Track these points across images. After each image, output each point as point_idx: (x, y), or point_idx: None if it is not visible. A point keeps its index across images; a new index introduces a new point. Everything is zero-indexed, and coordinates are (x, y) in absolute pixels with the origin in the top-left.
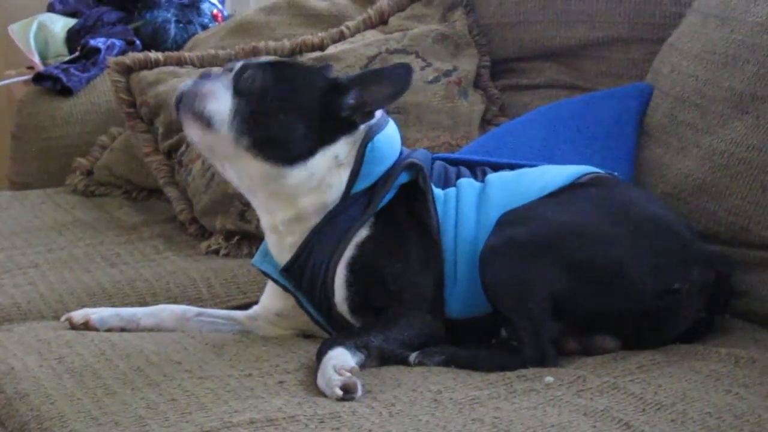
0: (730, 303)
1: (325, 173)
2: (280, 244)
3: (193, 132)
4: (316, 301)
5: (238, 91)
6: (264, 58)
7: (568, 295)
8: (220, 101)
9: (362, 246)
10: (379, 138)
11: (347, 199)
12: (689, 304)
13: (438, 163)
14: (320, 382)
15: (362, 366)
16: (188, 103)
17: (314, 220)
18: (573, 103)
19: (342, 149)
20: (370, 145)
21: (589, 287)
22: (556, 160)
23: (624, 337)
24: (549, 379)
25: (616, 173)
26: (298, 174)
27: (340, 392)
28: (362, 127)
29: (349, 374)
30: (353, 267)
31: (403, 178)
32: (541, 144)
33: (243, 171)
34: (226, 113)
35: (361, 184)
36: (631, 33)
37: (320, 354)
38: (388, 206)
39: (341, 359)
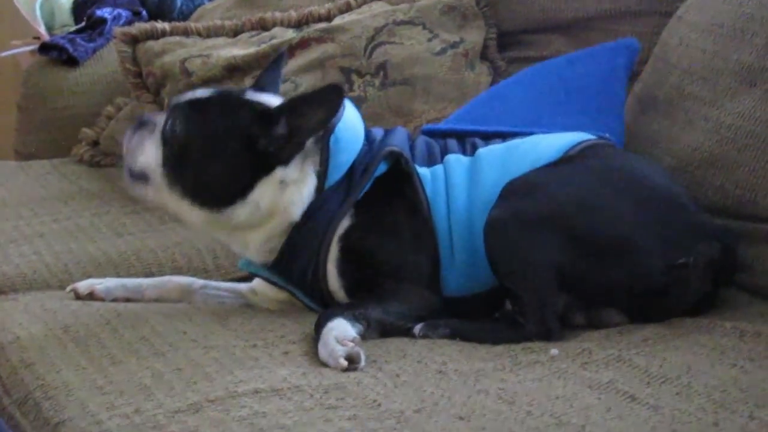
0: (735, 276)
1: (275, 198)
2: (262, 255)
3: (136, 191)
4: (308, 291)
5: (164, 140)
6: (195, 94)
7: (574, 269)
8: (151, 153)
9: (349, 236)
10: (340, 127)
11: (322, 194)
12: (695, 278)
13: (420, 139)
14: (322, 353)
15: (362, 337)
16: (126, 160)
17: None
18: (558, 63)
19: (285, 173)
20: (332, 137)
21: (595, 261)
22: (545, 122)
23: (630, 311)
24: (554, 351)
25: (607, 135)
26: (240, 211)
27: (344, 362)
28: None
29: (351, 344)
30: (345, 257)
31: (382, 167)
32: (528, 107)
33: (189, 219)
34: (156, 165)
35: (333, 177)
36: (639, 5)
37: (319, 326)
38: (369, 193)
39: (342, 330)
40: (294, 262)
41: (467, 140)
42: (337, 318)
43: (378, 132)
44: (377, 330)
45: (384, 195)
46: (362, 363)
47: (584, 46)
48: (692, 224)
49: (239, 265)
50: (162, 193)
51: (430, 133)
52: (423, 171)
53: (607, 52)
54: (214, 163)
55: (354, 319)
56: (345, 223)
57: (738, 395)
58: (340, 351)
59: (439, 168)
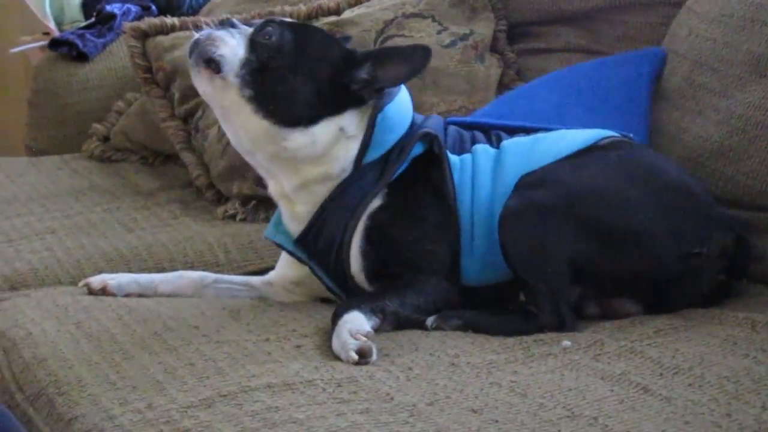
0: (748, 267)
1: (330, 144)
2: (292, 213)
3: (201, 75)
4: (331, 270)
5: (253, 44)
6: (288, 19)
7: (588, 259)
8: (233, 48)
9: (376, 216)
10: (390, 107)
11: (359, 169)
12: (709, 268)
13: (452, 128)
14: (335, 346)
15: (377, 330)
16: (201, 46)
17: (323, 190)
18: (586, 67)
19: (349, 122)
20: (380, 115)
21: (609, 251)
22: (570, 123)
23: (644, 301)
24: (566, 343)
25: (631, 135)
26: (298, 138)
27: (355, 356)
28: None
29: (364, 338)
30: (369, 237)
31: (418, 149)
32: (554, 108)
33: (243, 126)
34: (237, 60)
35: (373, 154)
36: None
37: (335, 318)
38: (402, 175)
39: (356, 323)
40: (321, 234)
41: (492, 133)
42: (353, 311)
43: (419, 117)
44: (392, 323)
45: (416, 179)
46: (374, 357)
47: (593, 37)
48: (706, 215)
49: (264, 234)
50: (228, 90)
51: (456, 125)
52: (453, 158)
53: (633, 59)
54: (296, 79)
55: (371, 312)
56: (376, 203)
57: (751, 386)
58: (352, 344)
59: (467, 157)
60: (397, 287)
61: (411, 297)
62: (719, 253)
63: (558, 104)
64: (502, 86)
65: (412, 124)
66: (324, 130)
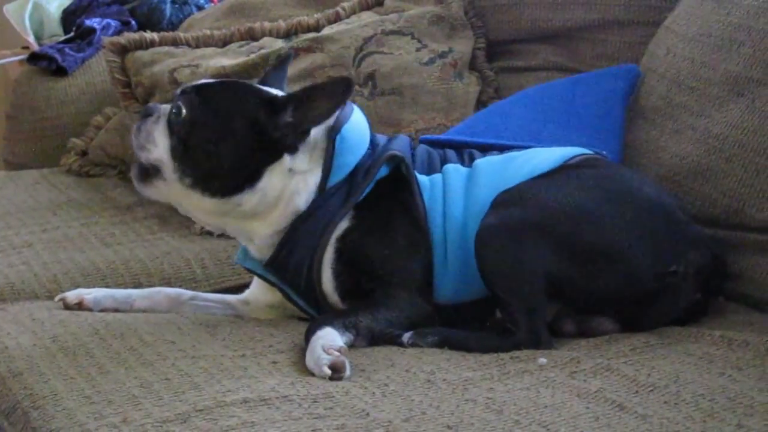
0: (724, 285)
1: (283, 187)
2: (266, 250)
3: (145, 188)
4: (302, 292)
5: (170, 126)
6: (200, 81)
7: (564, 277)
8: (159, 144)
9: (345, 237)
10: (347, 128)
11: (323, 194)
12: (685, 286)
13: (421, 148)
14: (309, 361)
15: (351, 346)
16: (137, 151)
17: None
18: (561, 84)
19: (296, 162)
20: (338, 137)
21: (586, 269)
22: (544, 140)
23: (621, 319)
24: (542, 360)
25: (604, 152)
26: (249, 199)
27: (328, 371)
28: (323, 128)
29: (337, 353)
30: (340, 257)
31: (384, 171)
32: (528, 124)
33: (198, 209)
34: (166, 155)
35: (336, 177)
36: (627, 15)
37: (309, 334)
38: (369, 197)
39: (329, 339)
40: (290, 259)
41: (465, 151)
42: (326, 327)
43: (382, 138)
44: (366, 338)
45: (383, 200)
46: (347, 373)
47: (572, 56)
48: (682, 233)
49: (235, 260)
50: (172, 186)
51: (429, 144)
52: (422, 178)
53: (608, 76)
54: (219, 147)
55: (344, 328)
56: (343, 225)
57: (726, 404)
58: (325, 360)
59: (437, 177)
60: (370, 303)
61: (383, 312)
62: (695, 271)
63: (533, 120)
64: (481, 104)
65: (375, 145)
66: (270, 180)
